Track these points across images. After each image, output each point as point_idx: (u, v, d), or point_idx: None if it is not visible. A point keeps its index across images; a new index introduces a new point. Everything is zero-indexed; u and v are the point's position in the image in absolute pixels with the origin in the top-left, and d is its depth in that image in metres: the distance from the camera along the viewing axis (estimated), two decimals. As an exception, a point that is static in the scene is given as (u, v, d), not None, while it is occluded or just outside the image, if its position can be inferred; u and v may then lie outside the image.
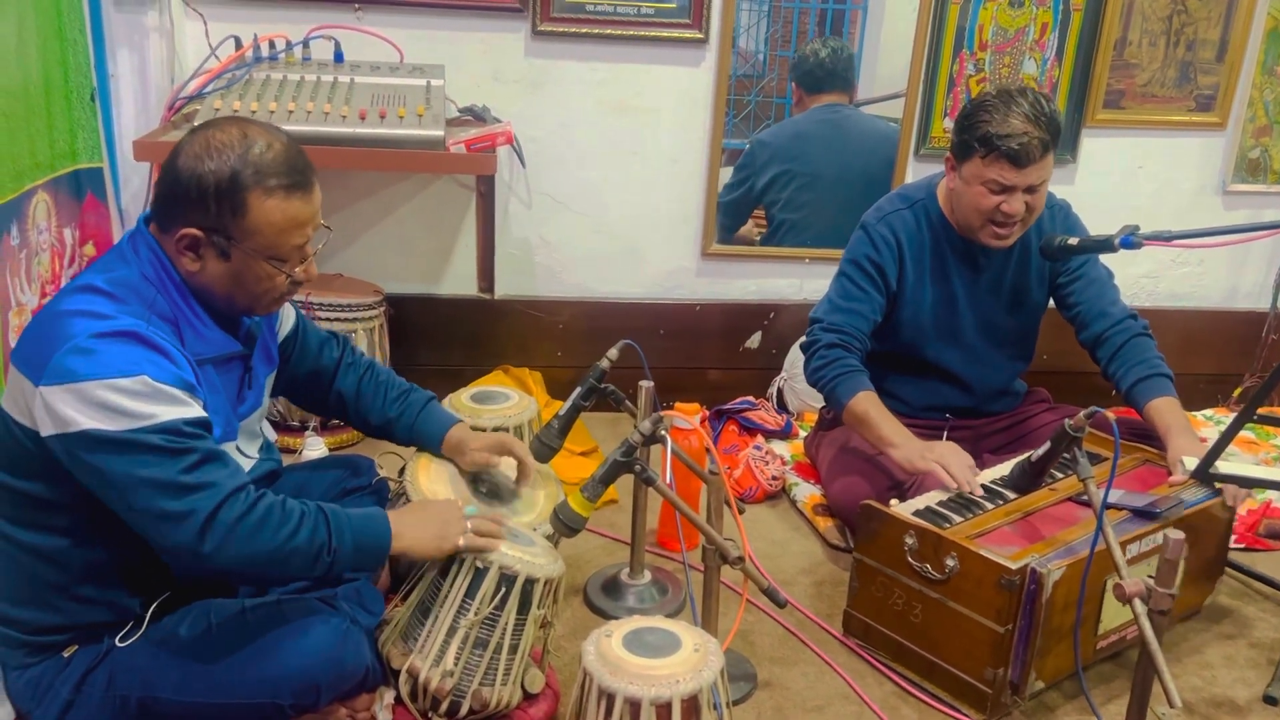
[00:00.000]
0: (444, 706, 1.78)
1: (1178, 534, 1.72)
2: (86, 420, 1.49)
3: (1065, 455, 1.98)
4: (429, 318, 3.17)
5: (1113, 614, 2.04)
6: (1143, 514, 2.09)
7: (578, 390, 2.15)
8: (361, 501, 2.05)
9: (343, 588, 1.90)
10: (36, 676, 1.70)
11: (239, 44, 2.76)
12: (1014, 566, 1.88)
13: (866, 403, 2.34)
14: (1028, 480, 2.10)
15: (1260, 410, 1.94)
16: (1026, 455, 2.10)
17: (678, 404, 2.43)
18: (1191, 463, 1.96)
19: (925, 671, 2.05)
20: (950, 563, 1.96)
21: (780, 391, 3.27)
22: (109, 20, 2.68)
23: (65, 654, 1.70)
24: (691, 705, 1.56)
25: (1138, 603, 1.75)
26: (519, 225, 3.17)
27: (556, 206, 3.16)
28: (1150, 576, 1.76)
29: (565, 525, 1.91)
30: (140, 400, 1.50)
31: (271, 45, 2.77)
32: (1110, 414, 1.85)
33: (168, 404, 1.53)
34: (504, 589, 1.77)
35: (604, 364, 2.14)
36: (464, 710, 1.78)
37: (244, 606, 1.73)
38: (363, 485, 2.11)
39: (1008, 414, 2.70)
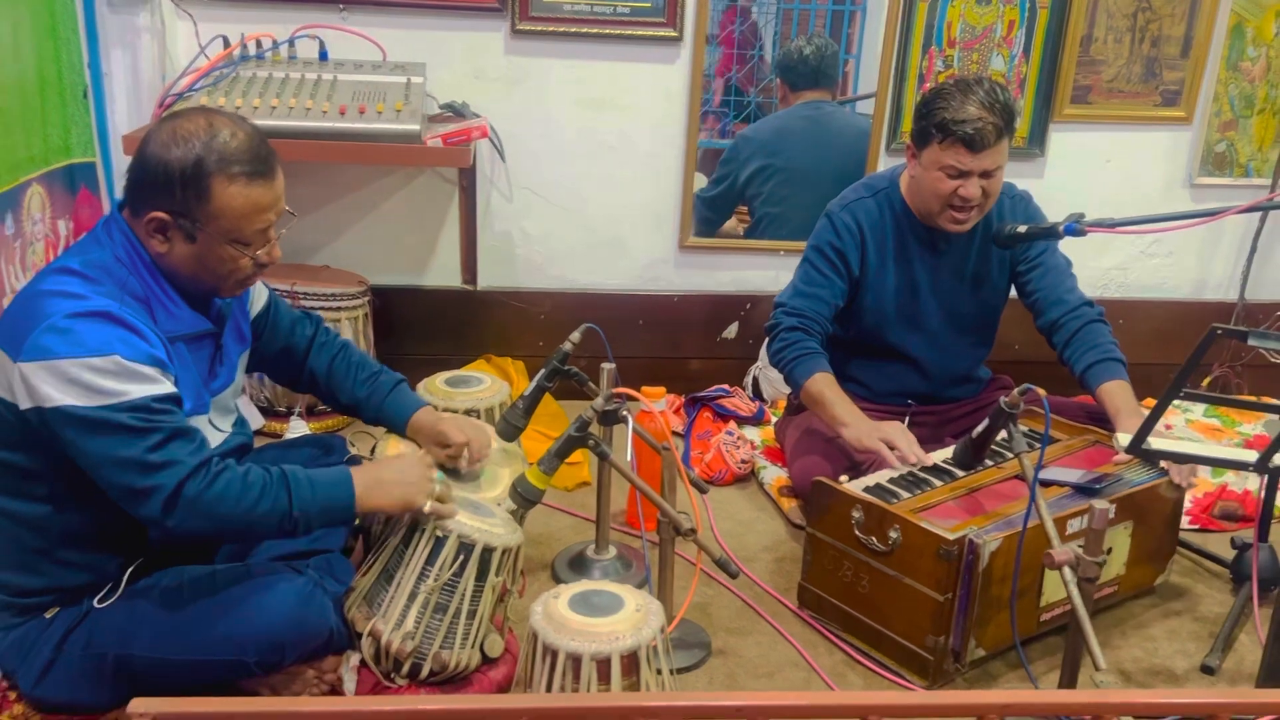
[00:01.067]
0: (405, 668, 1.87)
1: (1103, 504, 1.80)
2: (61, 396, 1.59)
3: (1004, 431, 2.06)
4: (414, 309, 3.27)
5: (1055, 587, 2.11)
6: (1082, 490, 2.17)
7: (541, 372, 2.25)
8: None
9: (315, 558, 1.99)
10: (20, 637, 1.80)
11: (227, 43, 2.87)
12: (951, 537, 1.96)
13: (822, 384, 2.43)
14: (970, 456, 2.18)
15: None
16: (968, 433, 2.18)
17: (644, 388, 2.52)
18: (1125, 439, 2.03)
19: (873, 641, 2.13)
20: (894, 535, 2.04)
21: (756, 380, 3.36)
22: (102, 20, 2.80)
23: (47, 615, 1.80)
24: (631, 661, 1.65)
25: (1067, 570, 1.83)
26: (501, 219, 3.26)
27: (537, 200, 3.26)
28: (1080, 546, 1.85)
29: (523, 497, 2.01)
30: (112, 378, 1.60)
31: (259, 44, 2.88)
32: (1042, 391, 1.93)
33: (138, 382, 1.62)
34: (462, 556, 1.86)
35: (566, 347, 2.23)
36: (424, 672, 1.88)
37: (215, 570, 1.83)
38: (335, 462, 2.20)
39: (971, 399, 2.77)
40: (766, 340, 2.60)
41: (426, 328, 3.29)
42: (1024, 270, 2.63)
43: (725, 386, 3.26)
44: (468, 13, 3.05)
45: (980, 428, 2.12)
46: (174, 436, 1.64)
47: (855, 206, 2.60)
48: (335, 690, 1.90)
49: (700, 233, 3.37)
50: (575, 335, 2.23)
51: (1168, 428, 3.14)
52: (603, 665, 1.63)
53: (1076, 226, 2.25)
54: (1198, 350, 1.83)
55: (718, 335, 3.43)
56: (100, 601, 1.79)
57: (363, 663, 1.91)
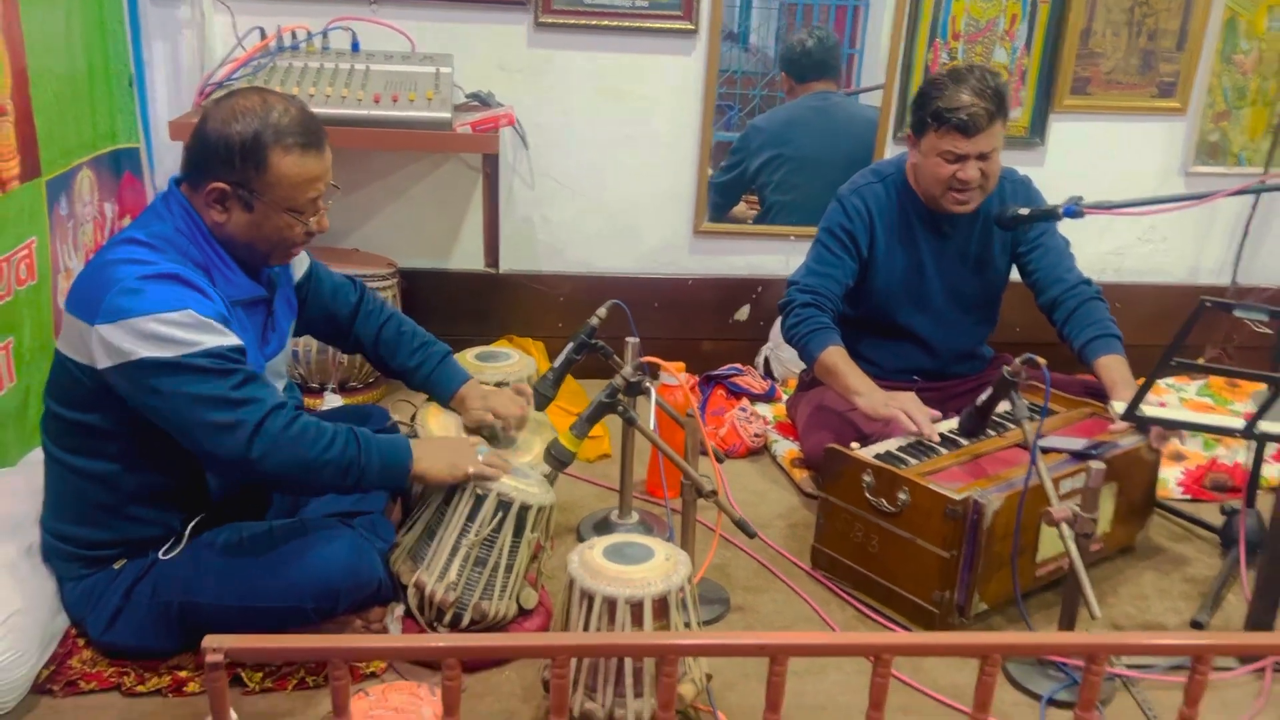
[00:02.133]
0: (447, 617, 2.01)
1: (1098, 465, 1.94)
2: (142, 350, 1.72)
3: (1006, 400, 2.20)
4: (439, 291, 3.40)
5: (1049, 544, 2.24)
6: (1079, 455, 2.30)
7: (570, 345, 2.37)
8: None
9: (359, 518, 2.13)
10: (89, 587, 1.94)
11: (263, 34, 3.00)
12: (957, 498, 2.09)
13: (835, 356, 2.56)
14: (975, 423, 2.31)
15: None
16: (973, 401, 2.32)
17: (664, 362, 2.65)
18: (1121, 406, 2.16)
19: (882, 598, 2.27)
20: (902, 496, 2.17)
21: (767, 360, 3.49)
22: (145, 13, 2.93)
23: (115, 566, 1.93)
24: (661, 605, 1.78)
25: (1064, 526, 1.96)
26: (523, 205, 3.40)
27: (557, 187, 3.39)
28: (1076, 504, 1.98)
29: (556, 459, 2.14)
30: (187, 330, 1.73)
31: (293, 36, 3.01)
32: (1042, 360, 2.06)
33: (211, 333, 1.76)
34: (501, 514, 2.00)
35: (594, 321, 2.36)
36: (465, 621, 2.01)
37: (272, 525, 1.97)
38: (373, 429, 2.32)
39: (974, 376, 2.90)
40: (780, 317, 2.73)
41: (451, 309, 3.41)
42: (1025, 251, 2.76)
43: (738, 365, 3.39)
44: (492, 6, 3.17)
45: (984, 396, 2.25)
46: (252, 378, 1.78)
47: (864, 191, 2.73)
48: (381, 638, 2.03)
49: (710, 218, 3.50)
50: (602, 310, 2.36)
51: (1161, 405, 3.27)
52: (636, 609, 1.76)
53: (1076, 208, 2.38)
54: (1188, 321, 1.96)
55: (730, 317, 3.57)
56: (165, 553, 1.92)
57: (407, 613, 2.04)
